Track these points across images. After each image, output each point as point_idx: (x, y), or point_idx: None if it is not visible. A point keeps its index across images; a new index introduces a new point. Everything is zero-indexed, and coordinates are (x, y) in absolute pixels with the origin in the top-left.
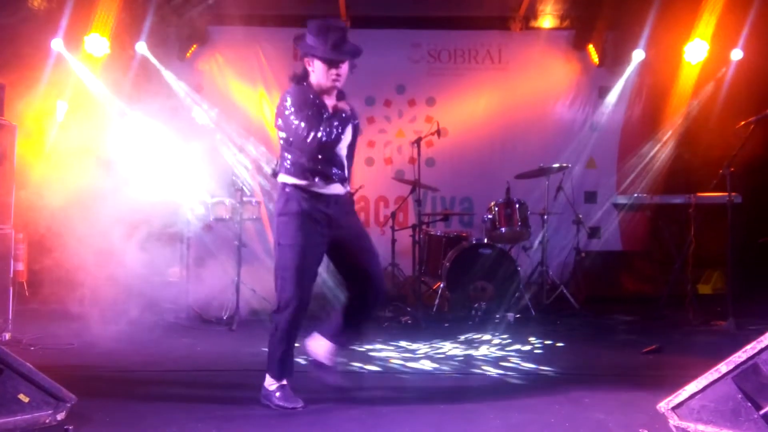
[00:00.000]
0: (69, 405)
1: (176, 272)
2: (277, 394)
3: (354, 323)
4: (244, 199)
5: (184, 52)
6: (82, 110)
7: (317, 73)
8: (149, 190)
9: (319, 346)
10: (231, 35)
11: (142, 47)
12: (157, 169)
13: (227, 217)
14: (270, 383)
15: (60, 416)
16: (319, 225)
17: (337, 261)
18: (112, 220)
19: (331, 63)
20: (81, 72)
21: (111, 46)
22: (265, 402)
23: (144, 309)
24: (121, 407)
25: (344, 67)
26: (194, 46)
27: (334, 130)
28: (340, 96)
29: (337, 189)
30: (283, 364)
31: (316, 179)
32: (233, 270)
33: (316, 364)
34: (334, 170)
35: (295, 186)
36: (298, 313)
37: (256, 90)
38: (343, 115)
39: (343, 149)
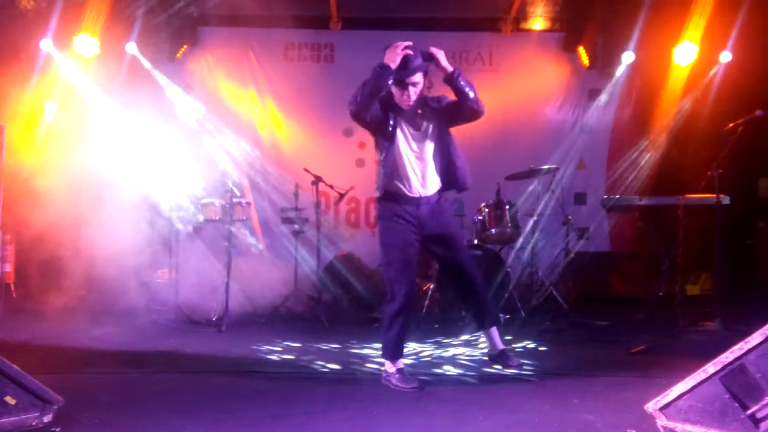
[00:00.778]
0: (56, 407)
1: (165, 273)
2: (396, 376)
3: (476, 305)
4: (234, 200)
5: (174, 52)
6: (72, 111)
7: (395, 95)
8: (139, 191)
9: (488, 346)
10: (221, 36)
11: (132, 48)
12: (147, 170)
13: (217, 218)
14: (388, 367)
15: (47, 418)
16: (410, 224)
17: (436, 257)
18: (101, 222)
19: (399, 84)
20: (70, 72)
21: (101, 47)
22: (385, 383)
23: (133, 310)
24: (109, 409)
25: (412, 87)
26: (185, 46)
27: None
28: (423, 105)
29: (421, 192)
30: (393, 348)
31: (399, 185)
32: (223, 271)
33: (499, 356)
34: (415, 176)
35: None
36: (399, 301)
37: (246, 91)
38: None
39: (414, 158)
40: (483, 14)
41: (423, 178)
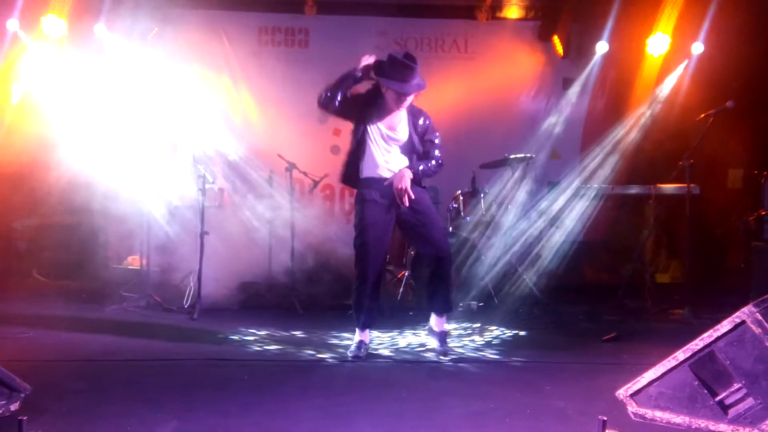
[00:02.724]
0: (23, 395)
1: (136, 260)
2: (354, 343)
3: (437, 291)
4: (207, 186)
5: (144, 35)
6: (39, 93)
7: (388, 97)
8: (108, 176)
9: (431, 321)
10: (194, 19)
11: (100, 29)
12: (117, 155)
13: (189, 204)
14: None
15: (14, 407)
16: (382, 206)
17: (407, 236)
18: (71, 207)
19: (398, 93)
20: (38, 54)
21: (69, 28)
22: None
23: (103, 297)
24: (77, 397)
25: (409, 97)
26: (155, 29)
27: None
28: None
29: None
30: (358, 320)
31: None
32: (195, 258)
33: (437, 334)
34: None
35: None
36: (366, 273)
37: (219, 76)
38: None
39: (384, 149)
40: (459, 2)
41: (393, 163)
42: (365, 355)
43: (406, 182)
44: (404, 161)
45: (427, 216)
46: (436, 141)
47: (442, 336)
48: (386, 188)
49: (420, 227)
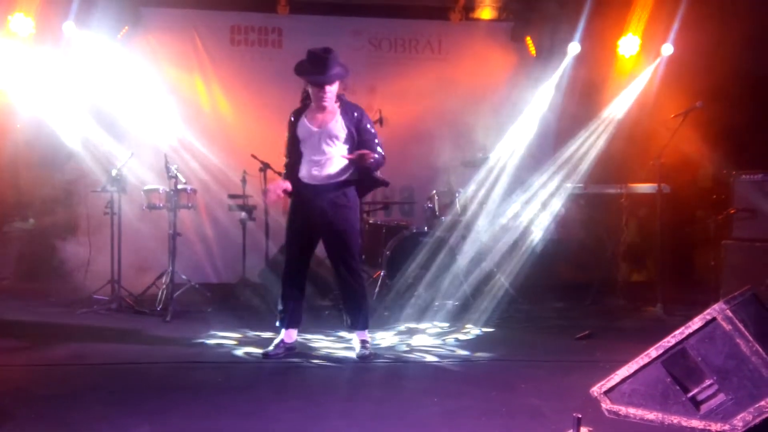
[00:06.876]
0: None
1: (107, 261)
2: (274, 342)
3: (351, 307)
4: (179, 186)
5: (114, 34)
6: (7, 92)
7: (313, 94)
8: (79, 176)
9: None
10: (165, 17)
11: (69, 28)
12: (88, 155)
13: (161, 205)
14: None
15: None
16: (306, 210)
17: (325, 247)
18: (41, 207)
19: (317, 85)
20: (5, 52)
21: (36, 26)
22: None
23: (73, 300)
24: (46, 402)
25: (329, 88)
26: (125, 28)
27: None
28: (337, 106)
29: (317, 180)
30: (281, 316)
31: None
32: (167, 259)
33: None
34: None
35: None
36: (286, 273)
37: (191, 75)
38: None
39: (323, 152)
40: (432, 2)
41: (323, 168)
42: (283, 354)
43: (367, 159)
44: (339, 165)
45: (345, 235)
46: (373, 131)
47: (362, 344)
48: (319, 192)
49: (335, 243)
